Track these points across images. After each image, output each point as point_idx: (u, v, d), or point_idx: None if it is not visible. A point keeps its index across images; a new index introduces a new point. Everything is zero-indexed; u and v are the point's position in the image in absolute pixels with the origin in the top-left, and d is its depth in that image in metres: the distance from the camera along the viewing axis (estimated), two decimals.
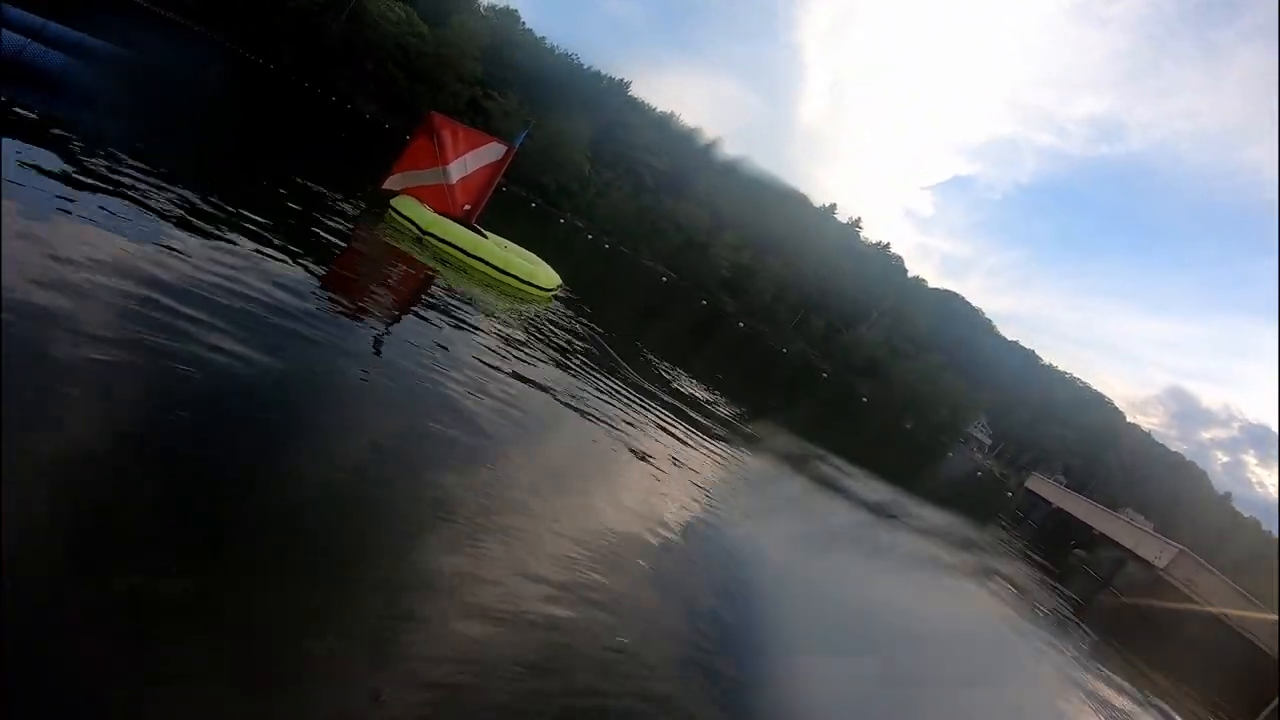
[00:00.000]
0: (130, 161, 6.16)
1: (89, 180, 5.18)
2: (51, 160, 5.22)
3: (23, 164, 4.80)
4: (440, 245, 9.79)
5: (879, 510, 9.26)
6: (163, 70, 9.53)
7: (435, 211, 10.20)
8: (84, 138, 6.34)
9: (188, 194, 6.04)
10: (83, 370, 2.80)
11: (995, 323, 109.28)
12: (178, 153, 8.03)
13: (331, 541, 2.71)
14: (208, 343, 3.55)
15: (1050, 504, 31.48)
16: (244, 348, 3.71)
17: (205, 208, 5.86)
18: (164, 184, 5.99)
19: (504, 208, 25.33)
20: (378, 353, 4.90)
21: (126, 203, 5.02)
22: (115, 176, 5.56)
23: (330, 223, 8.28)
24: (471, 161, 10.69)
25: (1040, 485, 34.80)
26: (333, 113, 31.74)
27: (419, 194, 10.45)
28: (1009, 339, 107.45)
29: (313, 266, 5.95)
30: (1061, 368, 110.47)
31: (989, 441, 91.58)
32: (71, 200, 4.57)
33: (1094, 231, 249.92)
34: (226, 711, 1.87)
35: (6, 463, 2.16)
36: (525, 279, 10.21)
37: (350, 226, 8.93)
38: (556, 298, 11.18)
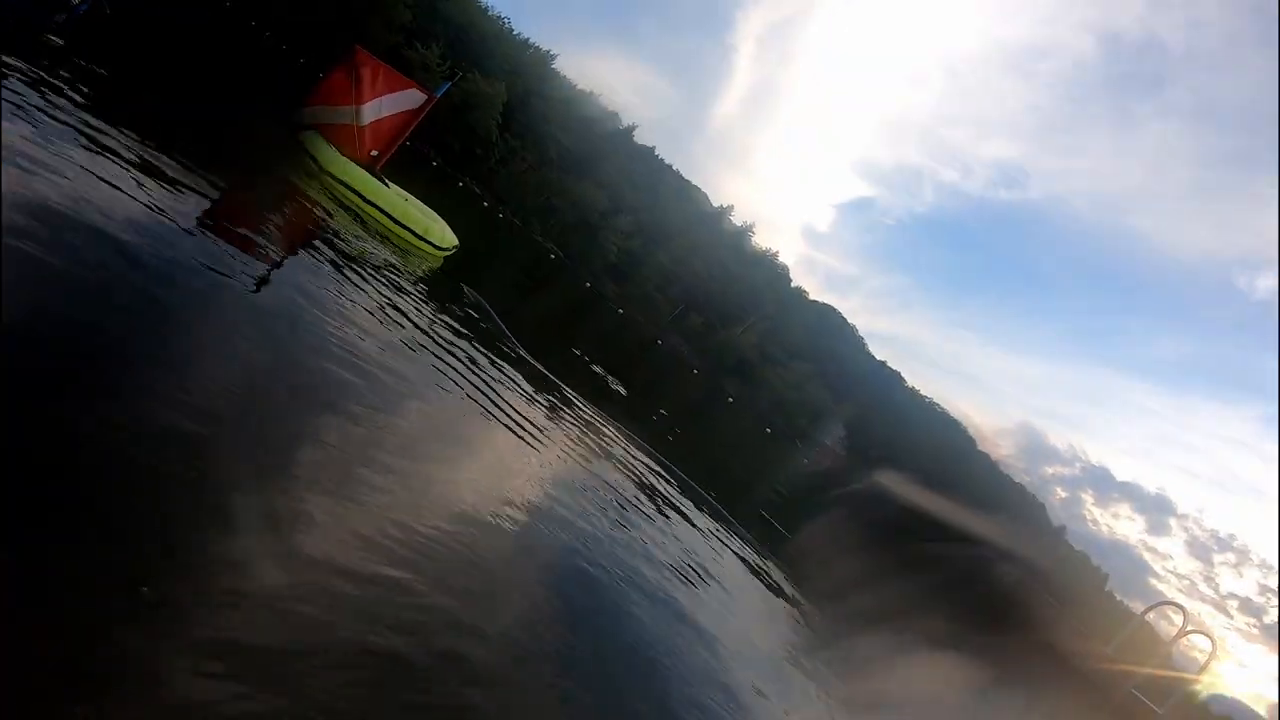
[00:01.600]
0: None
1: None
2: None
3: None
4: (339, 187, 9.61)
5: (712, 510, 9.69)
6: None
7: (344, 152, 10.01)
8: None
9: (77, 113, 5.57)
10: None
11: (868, 341, 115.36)
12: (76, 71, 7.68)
13: (170, 481, 2.55)
14: (73, 266, 3.32)
15: (898, 499, 33.26)
16: (112, 271, 3.52)
17: (89, 128, 5.35)
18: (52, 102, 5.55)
19: (403, 163, 24.76)
20: (256, 290, 4.72)
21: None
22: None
23: (228, 153, 8.08)
24: (388, 105, 10.47)
25: (890, 480, 36.99)
26: (251, 43, 29.83)
27: (327, 132, 10.17)
28: (879, 358, 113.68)
29: (200, 196, 5.68)
30: (923, 392, 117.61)
31: (844, 452, 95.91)
32: None
33: (976, 269, 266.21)
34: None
35: None
36: (421, 234, 10.15)
37: (249, 160, 8.72)
38: (447, 259, 11.18)
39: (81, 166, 4.46)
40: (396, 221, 9.97)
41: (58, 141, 4.55)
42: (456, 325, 7.89)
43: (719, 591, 6.47)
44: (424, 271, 9.50)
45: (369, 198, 9.82)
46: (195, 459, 2.72)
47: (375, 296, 6.52)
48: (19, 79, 5.21)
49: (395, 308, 6.68)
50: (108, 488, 2.34)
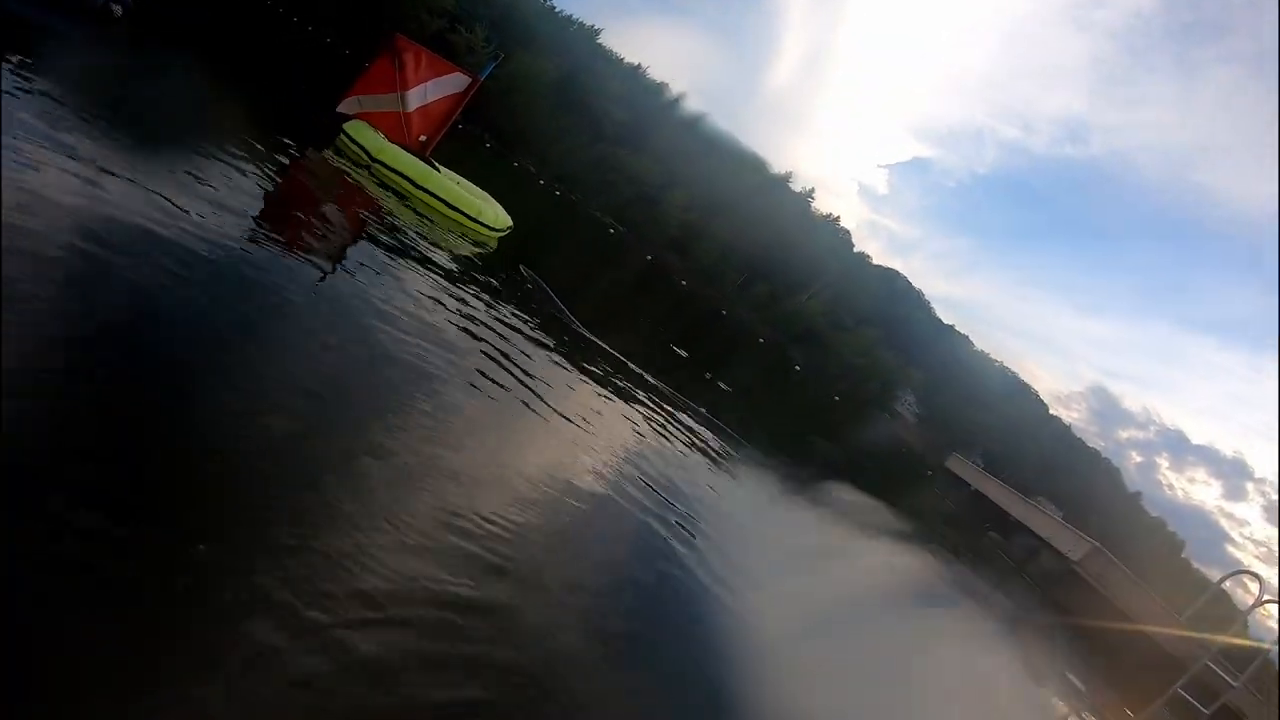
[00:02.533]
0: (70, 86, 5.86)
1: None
2: None
3: None
4: (389, 175, 9.56)
5: (794, 482, 9.46)
6: None
7: (389, 139, 9.96)
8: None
9: (120, 117, 5.70)
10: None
11: (934, 305, 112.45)
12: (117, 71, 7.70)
13: (250, 480, 2.57)
14: (134, 275, 3.30)
15: (968, 485, 32.50)
16: (172, 278, 3.51)
17: (140, 130, 5.51)
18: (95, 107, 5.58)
19: (458, 145, 24.82)
20: (316, 285, 4.70)
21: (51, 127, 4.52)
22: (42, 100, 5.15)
23: (277, 147, 8.00)
24: (432, 90, 10.40)
25: (960, 466, 35.90)
26: (294, 36, 30.36)
27: (373, 119, 10.15)
28: (946, 322, 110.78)
29: (253, 192, 5.69)
30: (993, 355, 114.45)
31: (914, 419, 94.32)
32: None
33: (1042, 228, 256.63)
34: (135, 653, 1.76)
35: None
36: (474, 216, 10.04)
37: (295, 150, 8.62)
38: (503, 240, 11.04)
39: (134, 168, 4.47)
40: (450, 205, 9.87)
41: (100, 146, 4.54)
42: (515, 306, 7.72)
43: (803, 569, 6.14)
44: (480, 253, 9.40)
45: (421, 183, 9.74)
46: (280, 455, 2.80)
47: (434, 281, 6.48)
48: (52, 85, 5.16)
49: (454, 291, 6.58)
50: (201, 486, 2.42)
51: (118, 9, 8.69)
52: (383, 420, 3.59)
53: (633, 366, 8.89)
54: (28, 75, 5.11)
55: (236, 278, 4.00)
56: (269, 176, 6.52)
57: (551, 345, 7.19)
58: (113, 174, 4.26)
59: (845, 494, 10.96)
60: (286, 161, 7.75)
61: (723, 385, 13.95)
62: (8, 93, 4.45)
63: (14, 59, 5.39)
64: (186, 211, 4.38)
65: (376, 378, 3.99)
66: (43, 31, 6.82)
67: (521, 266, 9.95)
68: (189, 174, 5.13)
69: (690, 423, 8.17)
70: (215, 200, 4.90)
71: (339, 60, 27.64)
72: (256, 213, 5.31)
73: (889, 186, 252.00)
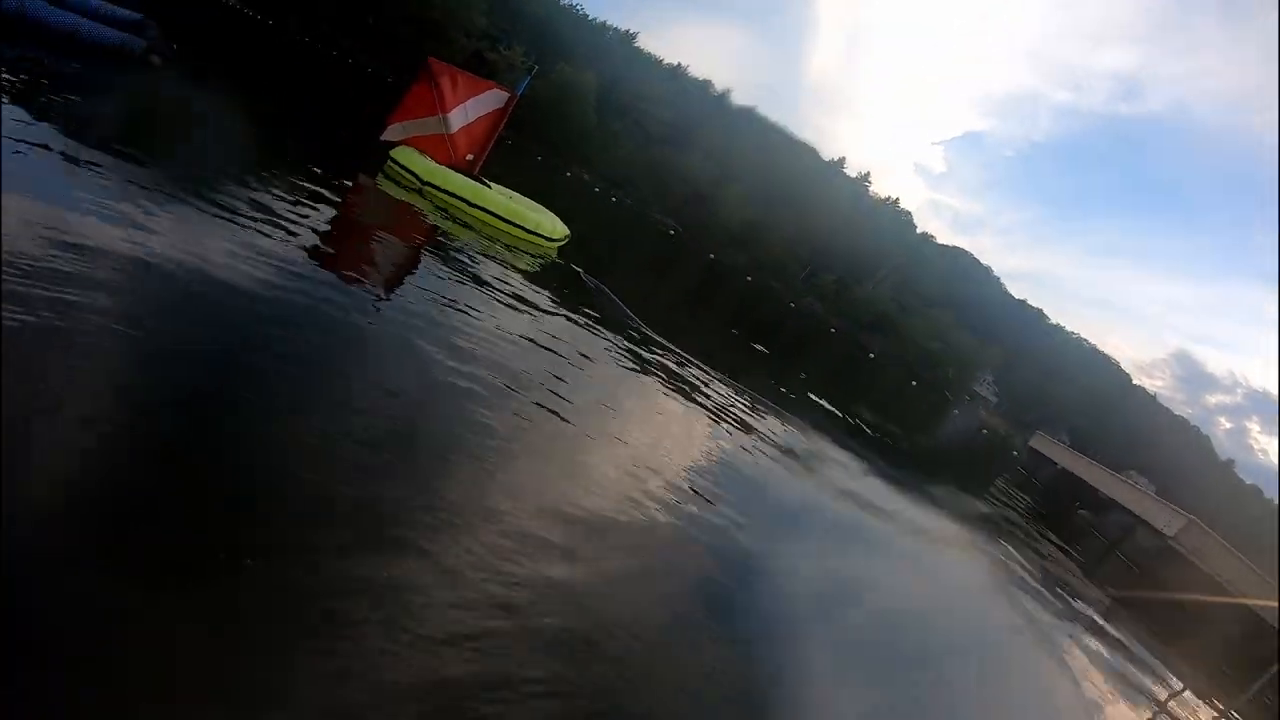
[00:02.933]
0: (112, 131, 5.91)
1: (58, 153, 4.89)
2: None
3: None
4: (442, 196, 9.55)
5: (880, 472, 9.06)
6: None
7: (436, 162, 9.96)
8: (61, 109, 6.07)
9: (170, 160, 5.80)
10: (85, 346, 2.67)
11: (1004, 281, 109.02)
12: (163, 113, 7.75)
13: (342, 501, 2.61)
14: (201, 313, 3.38)
15: (1055, 464, 31.05)
16: (239, 314, 3.53)
17: (193, 170, 5.60)
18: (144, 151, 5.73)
19: (510, 160, 24.96)
20: (377, 309, 4.67)
21: (104, 175, 4.63)
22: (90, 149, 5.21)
23: (328, 177, 7.99)
24: (472, 109, 10.39)
25: (1045, 444, 34.29)
26: (335, 69, 31.04)
27: (419, 144, 10.18)
28: (1017, 297, 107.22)
29: (309, 223, 5.69)
30: (1069, 328, 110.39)
31: (994, 399, 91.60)
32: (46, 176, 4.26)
33: (1107, 191, 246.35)
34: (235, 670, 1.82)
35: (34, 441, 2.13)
36: (531, 229, 9.99)
37: (348, 180, 8.68)
38: (563, 250, 10.92)
39: (190, 207, 4.62)
40: (505, 220, 9.82)
41: (154, 190, 4.62)
42: (581, 314, 7.59)
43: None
44: (540, 264, 9.28)
45: (474, 201, 9.71)
46: (367, 478, 2.80)
47: (497, 295, 6.48)
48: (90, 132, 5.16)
49: (520, 304, 6.59)
50: (289, 510, 2.44)
51: (156, 59, 8.72)
52: (465, 435, 3.58)
53: (709, 366, 8.63)
54: (80, 124, 5.23)
55: (304, 309, 3.99)
56: (324, 208, 6.49)
57: (623, 350, 7.06)
58: (169, 213, 4.35)
59: (933, 483, 10.73)
60: (339, 192, 7.73)
61: (803, 376, 14.07)
62: (65, 153, 4.49)
63: (63, 106, 5.55)
64: (247, 247, 4.41)
65: (452, 397, 3.94)
66: (88, 81, 6.99)
67: (581, 273, 9.81)
68: (246, 210, 5.15)
69: (776, 418, 7.94)
70: (274, 234, 4.93)
71: (383, 88, 28.09)
72: (315, 244, 5.31)
73: (946, 163, 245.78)
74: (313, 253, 5.02)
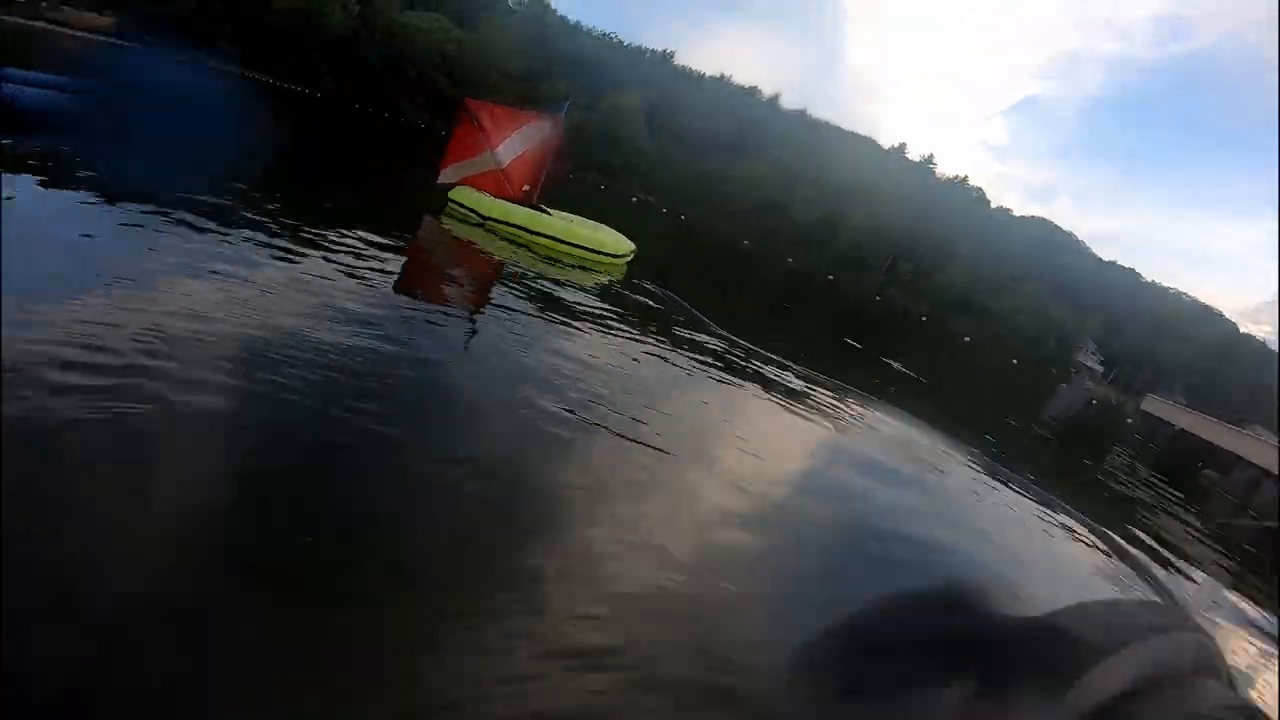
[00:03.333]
0: (172, 197, 6.03)
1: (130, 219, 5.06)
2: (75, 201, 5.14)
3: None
4: (504, 228, 9.76)
5: (995, 458, 8.42)
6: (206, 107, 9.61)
7: (495, 196, 10.16)
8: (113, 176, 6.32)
9: (241, 221, 5.83)
10: (190, 412, 2.69)
11: (1090, 245, 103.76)
12: (223, 183, 7.97)
13: (459, 539, 2.53)
14: (295, 366, 3.35)
15: (1172, 425, 28.96)
16: (330, 366, 3.51)
17: (262, 232, 5.62)
18: (214, 214, 5.81)
19: (574, 192, 25.17)
20: (466, 348, 4.67)
21: (181, 236, 4.84)
22: (156, 212, 5.38)
23: (395, 225, 8.20)
24: (519, 142, 10.54)
25: (1158, 406, 32.12)
26: (384, 125, 32.20)
27: (475, 182, 10.43)
28: (1106, 260, 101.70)
29: (384, 271, 5.77)
30: (1165, 283, 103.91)
31: (1100, 368, 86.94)
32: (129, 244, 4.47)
33: (1173, 137, 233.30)
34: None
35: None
36: (593, 247, 10.06)
37: (414, 226, 8.91)
38: (634, 266, 10.90)
39: (272, 268, 4.69)
40: (569, 243, 9.93)
41: (244, 252, 4.85)
42: (660, 325, 7.52)
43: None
44: (611, 282, 9.23)
45: (536, 229, 9.89)
46: (484, 512, 2.74)
47: (574, 318, 6.45)
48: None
49: (596, 324, 6.51)
50: (410, 547, 2.41)
51: None
52: (570, 464, 3.45)
53: (804, 366, 8.32)
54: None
55: (394, 357, 3.94)
56: (395, 256, 6.63)
57: (710, 359, 6.84)
58: (260, 272, 4.50)
59: (1050, 464, 10.37)
60: (408, 237, 8.00)
61: (902, 368, 13.52)
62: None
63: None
64: (332, 301, 4.48)
65: (549, 425, 3.76)
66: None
67: (650, 284, 9.78)
68: (327, 265, 5.28)
69: (884, 413, 7.58)
70: (355, 286, 5.01)
71: (437, 138, 29.06)
72: (395, 291, 5.36)
73: (1008, 134, 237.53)
74: (394, 299, 5.06)
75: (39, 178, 5.33)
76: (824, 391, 7.35)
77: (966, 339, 56.56)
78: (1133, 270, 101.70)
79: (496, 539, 2.58)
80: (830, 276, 58.08)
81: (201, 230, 5.06)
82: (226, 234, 5.20)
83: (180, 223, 5.08)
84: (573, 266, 9.23)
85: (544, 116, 10.80)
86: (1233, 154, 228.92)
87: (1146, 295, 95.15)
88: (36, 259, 3.75)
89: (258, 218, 6.01)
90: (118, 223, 4.74)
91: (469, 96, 11.07)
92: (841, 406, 7.00)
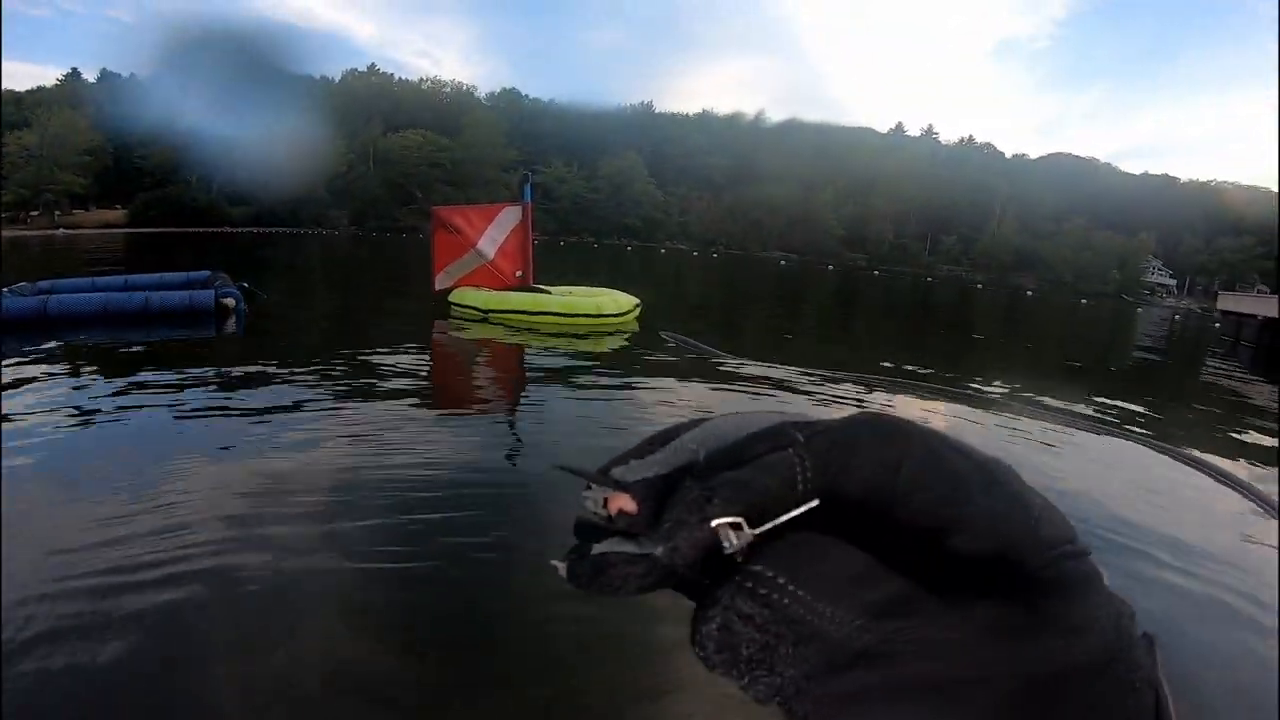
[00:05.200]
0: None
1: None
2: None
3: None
4: (507, 317, 10.06)
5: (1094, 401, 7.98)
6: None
7: (493, 289, 10.51)
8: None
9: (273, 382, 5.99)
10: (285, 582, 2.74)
11: (1117, 164, 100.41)
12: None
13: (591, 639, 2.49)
14: (372, 508, 3.41)
15: (1256, 316, 26.89)
16: (396, 495, 3.53)
17: (293, 384, 5.81)
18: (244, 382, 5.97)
19: (604, 262, 25.32)
20: (518, 438, 4.83)
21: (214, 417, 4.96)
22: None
23: (409, 338, 8.58)
24: (496, 233, 10.83)
25: (1234, 302, 29.75)
26: (395, 244, 33.22)
27: (470, 281, 10.78)
28: (1136, 174, 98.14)
29: (411, 387, 6.01)
30: (1207, 179, 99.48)
31: (1172, 281, 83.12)
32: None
33: (1157, 28, 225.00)
34: None
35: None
36: (596, 313, 10.25)
37: (424, 336, 9.29)
38: (644, 316, 11.01)
39: (309, 424, 4.74)
40: (568, 315, 10.14)
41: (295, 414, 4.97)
42: (689, 367, 7.68)
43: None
44: (623, 341, 9.40)
45: (536, 310, 10.17)
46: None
47: (598, 384, 6.66)
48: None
49: (622, 384, 6.68)
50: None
51: (229, 301, 9.31)
52: None
53: (890, 365, 8.03)
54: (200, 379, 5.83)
55: (447, 466, 4.00)
56: (418, 367, 6.98)
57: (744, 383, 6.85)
58: (301, 429, 4.63)
59: (1152, 396, 9.78)
60: (423, 348, 8.43)
61: (979, 339, 14.22)
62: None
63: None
64: (372, 434, 4.56)
65: None
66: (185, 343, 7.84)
67: (661, 333, 9.91)
68: (359, 398, 5.52)
69: (974, 396, 7.45)
70: (387, 408, 5.22)
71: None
72: (429, 405, 5.62)
73: (995, 81, 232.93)
74: (434, 419, 5.22)
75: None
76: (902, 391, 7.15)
77: (1030, 291, 54.94)
78: (1165, 175, 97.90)
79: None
80: (875, 271, 57.56)
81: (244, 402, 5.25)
82: (263, 397, 5.37)
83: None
84: (581, 336, 9.44)
85: (512, 203, 11.11)
86: (1219, 34, 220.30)
87: (1188, 198, 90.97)
88: None
89: (287, 378, 6.13)
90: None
91: (434, 205, 11.58)
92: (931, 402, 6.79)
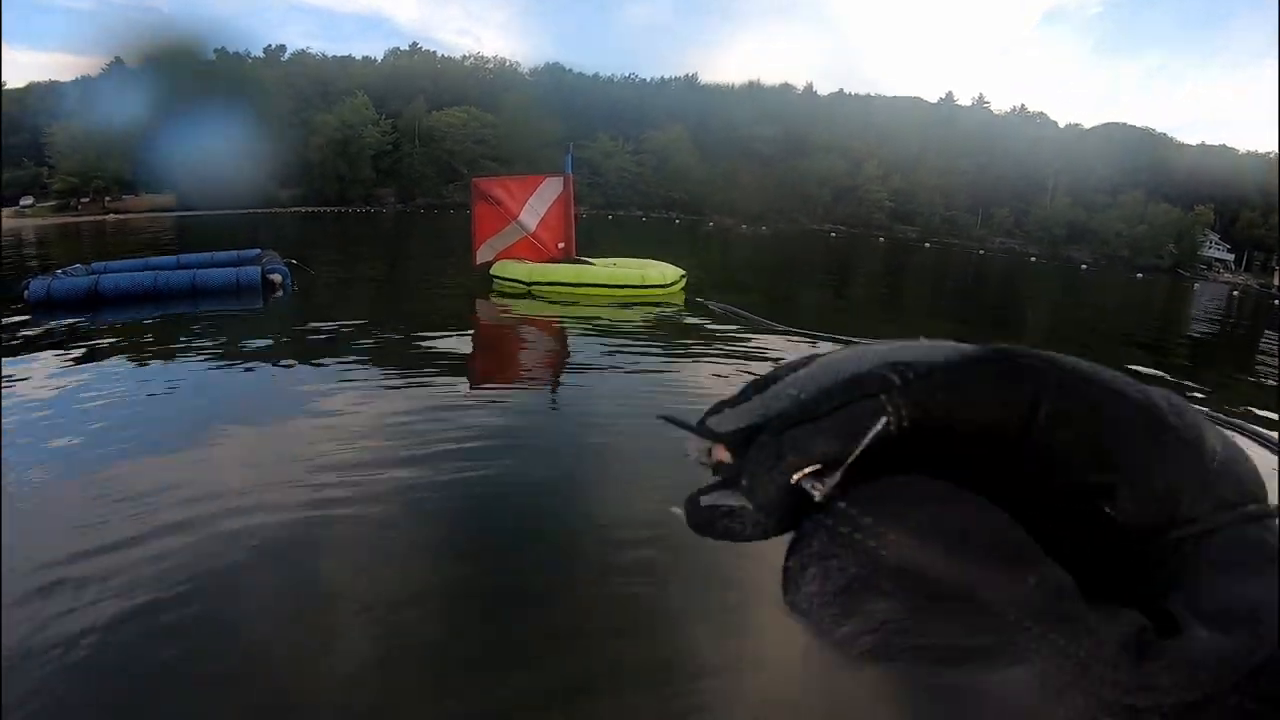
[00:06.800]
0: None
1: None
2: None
3: None
4: (551, 289, 9.91)
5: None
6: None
7: (535, 261, 10.34)
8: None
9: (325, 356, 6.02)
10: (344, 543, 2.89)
11: (1172, 135, 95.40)
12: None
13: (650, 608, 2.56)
14: (425, 482, 3.41)
15: None
16: (438, 470, 3.54)
17: (341, 360, 5.83)
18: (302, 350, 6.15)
19: (652, 234, 25.09)
20: (555, 406, 4.94)
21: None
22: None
23: (452, 317, 8.66)
24: (538, 204, 10.59)
25: None
26: (446, 222, 33.42)
27: (511, 253, 10.56)
28: (1194, 145, 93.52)
29: (456, 363, 6.13)
30: (1264, 150, 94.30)
31: (1230, 257, 79.85)
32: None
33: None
34: None
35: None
36: (637, 284, 10.11)
37: (468, 313, 9.35)
38: (700, 291, 10.65)
39: (365, 403, 4.70)
40: (614, 286, 10.02)
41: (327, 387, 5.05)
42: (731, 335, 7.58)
43: None
44: (672, 311, 9.33)
45: (581, 281, 10.05)
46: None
47: (646, 356, 6.59)
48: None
49: (670, 355, 6.69)
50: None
51: (276, 277, 9.40)
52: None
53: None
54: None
55: (494, 444, 3.98)
56: (462, 342, 7.23)
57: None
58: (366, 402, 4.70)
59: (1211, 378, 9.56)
60: (467, 323, 8.59)
61: (1031, 318, 13.88)
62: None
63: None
64: (427, 406, 4.59)
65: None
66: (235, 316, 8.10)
67: (702, 300, 9.80)
68: (406, 375, 5.52)
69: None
70: (435, 392, 5.14)
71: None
72: (470, 380, 5.72)
73: (1046, 49, 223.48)
74: (481, 397, 5.15)
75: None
76: None
77: (1084, 266, 53.40)
78: (1223, 145, 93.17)
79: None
80: (927, 244, 57.02)
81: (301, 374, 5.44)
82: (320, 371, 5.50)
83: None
84: (626, 306, 9.36)
85: (553, 174, 10.88)
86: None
87: (1247, 168, 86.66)
88: None
89: (334, 359, 6.11)
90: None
91: (475, 177, 11.31)
92: None
